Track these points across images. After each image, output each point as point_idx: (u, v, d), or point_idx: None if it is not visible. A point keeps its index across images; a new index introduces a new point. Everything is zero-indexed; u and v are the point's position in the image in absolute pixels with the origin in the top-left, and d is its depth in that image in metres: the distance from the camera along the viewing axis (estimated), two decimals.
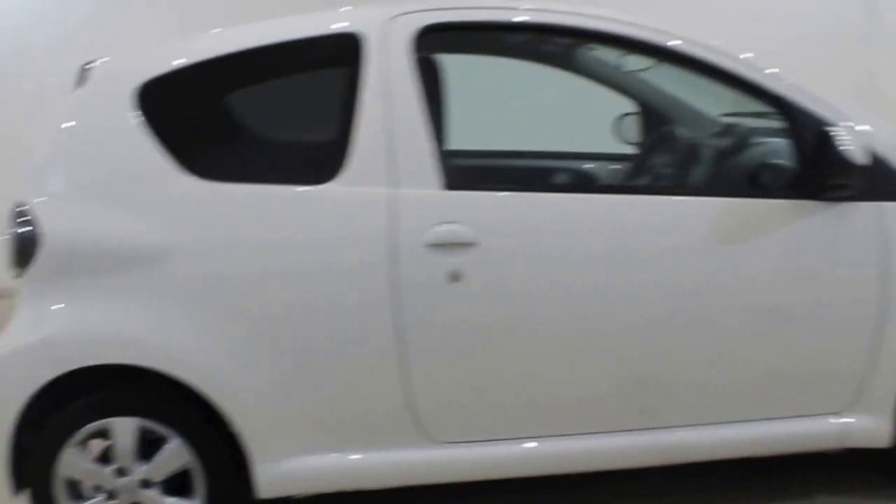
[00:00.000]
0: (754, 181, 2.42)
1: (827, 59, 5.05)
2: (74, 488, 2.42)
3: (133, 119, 2.37)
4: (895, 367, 2.42)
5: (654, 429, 2.44)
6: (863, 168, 2.23)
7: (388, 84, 2.34)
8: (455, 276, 2.29)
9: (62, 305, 2.34)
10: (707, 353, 2.40)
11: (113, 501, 2.41)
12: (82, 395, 2.35)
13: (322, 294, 2.31)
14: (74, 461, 2.38)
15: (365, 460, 2.40)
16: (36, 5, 5.99)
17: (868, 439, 2.46)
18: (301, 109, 2.50)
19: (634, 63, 2.65)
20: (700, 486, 2.72)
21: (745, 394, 2.44)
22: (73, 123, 2.43)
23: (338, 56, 2.41)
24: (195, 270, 2.31)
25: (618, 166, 2.78)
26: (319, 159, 2.38)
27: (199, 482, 2.40)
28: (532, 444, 2.42)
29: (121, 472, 2.39)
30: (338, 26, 2.42)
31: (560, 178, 2.80)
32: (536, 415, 2.42)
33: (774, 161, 2.46)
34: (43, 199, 2.37)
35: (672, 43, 2.39)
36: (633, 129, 3.02)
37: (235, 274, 2.31)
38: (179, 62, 2.43)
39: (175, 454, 2.38)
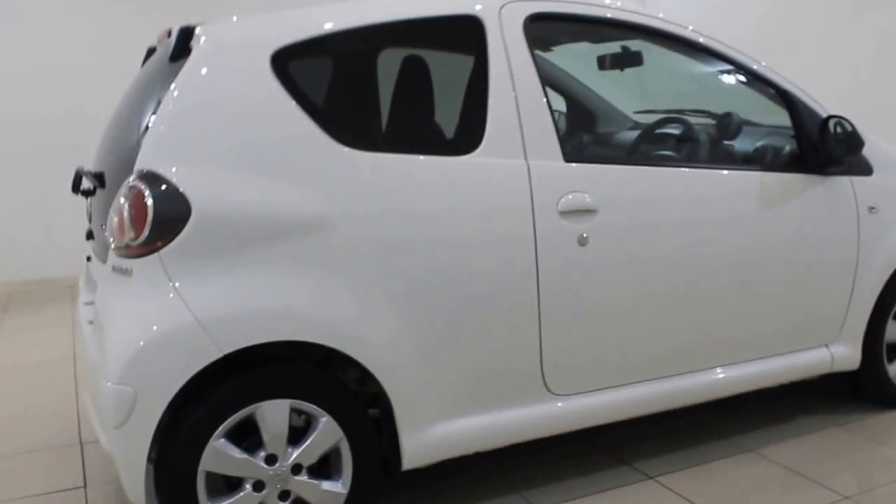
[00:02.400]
0: (776, 159, 3.06)
1: None
2: (213, 483, 2.29)
3: (276, 86, 2.33)
4: (862, 306, 3.20)
5: (708, 369, 2.95)
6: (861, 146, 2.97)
7: (510, 64, 2.58)
8: (582, 241, 2.61)
9: (218, 281, 2.22)
10: (752, 303, 2.98)
11: (257, 493, 2.32)
12: (222, 382, 2.25)
13: (470, 257, 2.47)
14: (221, 453, 2.26)
15: (495, 420, 2.59)
16: None
17: (846, 364, 3.22)
18: (435, 83, 2.62)
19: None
20: (697, 419, 3.28)
21: (773, 334, 3.06)
22: (203, 91, 2.30)
23: (464, 36, 2.59)
24: (355, 240, 2.34)
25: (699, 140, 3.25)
26: (459, 132, 2.54)
27: (346, 461, 2.41)
28: (630, 391, 2.81)
29: (270, 460, 2.32)
30: (461, 9, 2.60)
31: (655, 151, 3.20)
32: (634, 364, 2.80)
33: (784, 143, 3.11)
34: (183, 168, 2.23)
35: (715, 45, 2.95)
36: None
37: (392, 243, 2.38)
38: (316, 31, 2.43)
39: (327, 434, 2.37)
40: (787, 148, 3.08)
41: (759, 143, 3.11)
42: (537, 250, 2.55)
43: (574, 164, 2.63)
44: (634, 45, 3.03)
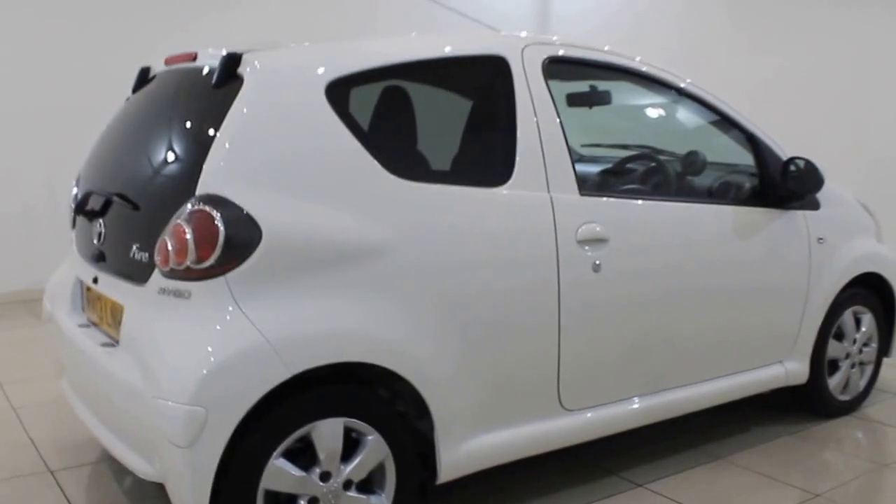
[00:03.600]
0: (742, 194, 3.45)
1: None
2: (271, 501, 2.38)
3: (331, 116, 2.46)
4: (811, 326, 3.64)
5: (691, 384, 3.29)
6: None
7: (533, 102, 2.83)
8: (597, 268, 2.88)
9: (283, 304, 2.32)
10: (727, 324, 3.34)
11: None
12: (282, 402, 2.34)
13: (503, 282, 2.68)
14: (281, 471, 2.35)
15: (515, 434, 2.80)
16: None
17: (797, 378, 3.65)
18: (467, 117, 2.82)
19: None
20: (667, 431, 3.60)
21: (742, 352, 3.44)
22: (262, 118, 2.40)
23: (492, 74, 2.81)
24: (405, 265, 2.50)
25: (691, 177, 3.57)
26: (492, 165, 2.76)
27: (390, 476, 2.55)
28: (627, 405, 3.09)
29: (324, 477, 2.43)
30: (489, 49, 2.82)
31: (654, 184, 3.48)
32: (632, 380, 3.09)
33: (745, 180, 3.51)
34: (249, 193, 2.32)
35: (695, 90, 3.32)
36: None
37: (437, 267, 2.56)
38: (367, 63, 2.58)
39: (375, 451, 2.50)
40: (749, 184, 3.49)
41: (725, 180, 3.50)
42: (559, 276, 2.79)
43: (587, 198, 2.90)
44: (625, 86, 3.34)
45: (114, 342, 2.70)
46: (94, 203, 2.88)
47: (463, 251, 2.62)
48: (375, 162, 2.50)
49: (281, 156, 2.40)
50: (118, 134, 3.08)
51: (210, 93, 2.55)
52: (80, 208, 2.93)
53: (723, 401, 3.43)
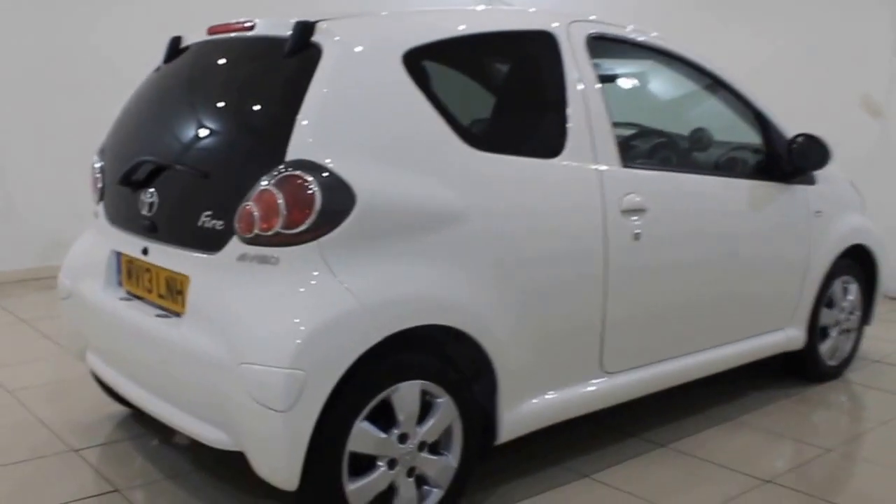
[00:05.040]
0: (751, 169, 3.70)
1: None
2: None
3: (409, 85, 2.55)
4: (808, 295, 3.94)
5: (712, 348, 3.53)
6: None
7: (580, 76, 2.99)
8: (637, 236, 3.06)
9: (373, 268, 2.40)
10: (743, 290, 3.60)
11: (390, 471, 2.52)
12: (369, 365, 2.42)
13: (557, 249, 2.84)
14: (366, 434, 2.44)
15: (561, 397, 2.97)
16: None
17: (795, 344, 3.94)
18: (526, 89, 2.95)
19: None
20: (666, 397, 3.83)
21: (753, 318, 3.71)
22: (344, 85, 2.46)
23: (543, 49, 2.94)
24: (480, 232, 2.62)
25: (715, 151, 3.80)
26: (548, 136, 2.89)
27: (457, 437, 2.67)
28: (664, 366, 3.30)
29: (402, 439, 2.53)
30: (539, 25, 2.96)
31: (689, 158, 3.69)
32: (670, 342, 3.30)
33: (750, 156, 3.77)
34: (339, 159, 2.38)
35: (717, 72, 3.54)
36: None
37: (506, 233, 2.69)
38: (440, 34, 2.67)
39: (446, 413, 2.62)
40: (757, 160, 3.74)
41: (738, 155, 3.75)
42: (606, 244, 2.96)
43: (628, 169, 3.08)
44: (653, 66, 3.55)
45: (170, 313, 2.72)
46: (141, 173, 2.86)
47: (524, 218, 2.76)
48: (451, 131, 2.60)
49: (365, 124, 2.48)
50: (158, 104, 3.08)
51: (281, 62, 2.60)
52: (125, 179, 2.91)
53: (735, 364, 3.69)
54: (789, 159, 3.67)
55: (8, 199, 6.40)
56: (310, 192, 2.33)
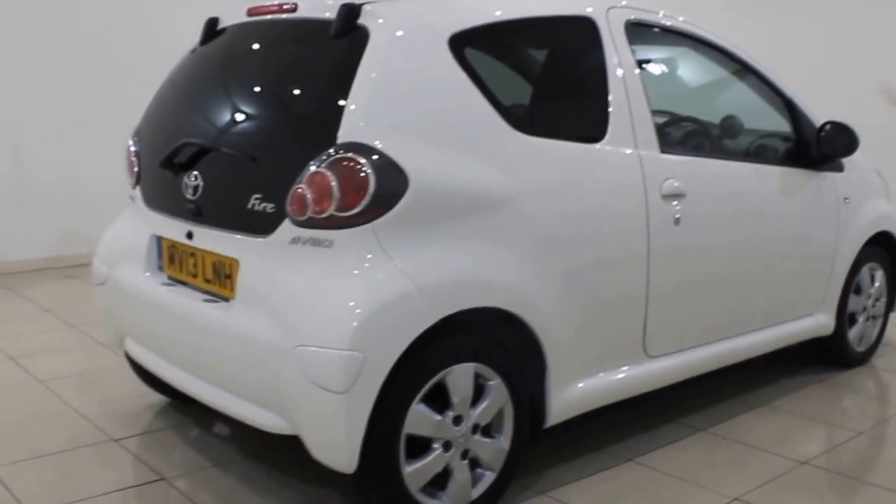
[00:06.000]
0: (781, 156, 3.73)
1: None
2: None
3: (456, 68, 2.56)
4: (837, 281, 3.96)
5: (747, 333, 3.56)
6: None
7: (620, 62, 3.01)
8: (677, 221, 3.08)
9: (427, 251, 2.42)
10: (776, 276, 3.62)
11: (446, 454, 2.54)
12: (425, 347, 2.43)
13: (602, 235, 2.86)
14: (423, 416, 2.46)
15: (605, 380, 2.98)
16: None
17: (824, 330, 3.97)
18: (568, 74, 2.96)
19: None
20: (698, 383, 3.85)
21: (785, 304, 3.73)
22: (393, 68, 2.47)
23: (584, 34, 2.96)
24: (529, 215, 2.64)
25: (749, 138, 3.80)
26: (590, 121, 2.91)
27: (508, 419, 2.69)
28: (703, 351, 3.33)
29: (456, 421, 2.55)
30: (577, 10, 2.97)
31: (722, 145, 3.71)
32: (708, 327, 3.32)
33: (779, 143, 3.79)
34: (391, 142, 2.39)
35: (750, 61, 3.57)
36: None
37: (553, 216, 2.71)
38: (484, 19, 2.69)
39: (499, 395, 2.64)
40: (787, 147, 3.76)
41: (769, 142, 3.77)
42: (649, 229, 2.98)
43: (667, 155, 3.10)
44: (687, 52, 3.56)
45: (217, 298, 2.73)
46: (183, 156, 2.87)
47: (570, 202, 2.78)
48: (498, 115, 2.62)
49: (413, 107, 2.49)
50: (196, 86, 3.08)
51: (326, 44, 2.61)
52: (166, 162, 2.91)
53: (768, 350, 3.71)
54: (818, 146, 3.69)
55: (24, 187, 6.40)
56: (363, 174, 2.34)
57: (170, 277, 3.01)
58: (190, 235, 2.84)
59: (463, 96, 2.57)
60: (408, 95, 2.49)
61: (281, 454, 3.10)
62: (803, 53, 6.41)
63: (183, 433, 3.38)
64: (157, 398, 3.67)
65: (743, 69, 3.61)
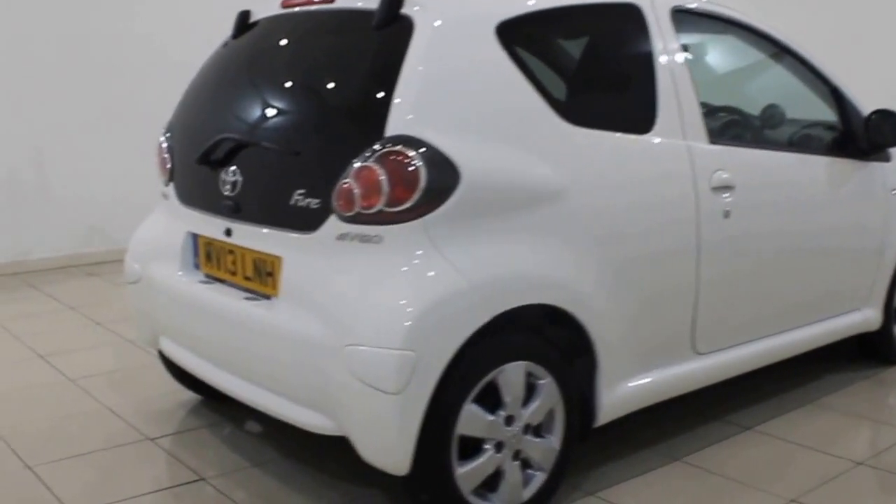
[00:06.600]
0: (828, 145, 3.63)
1: None
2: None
3: (504, 59, 2.48)
4: (884, 275, 3.86)
5: (795, 328, 3.47)
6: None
7: (667, 51, 2.91)
8: (727, 214, 2.99)
9: (478, 247, 2.35)
10: (823, 269, 3.53)
11: (498, 455, 2.47)
12: (477, 345, 2.35)
13: (651, 229, 2.77)
14: (475, 416, 2.39)
15: (658, 377, 2.90)
16: None
17: (871, 325, 3.86)
18: (616, 63, 2.88)
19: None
20: (739, 385, 3.74)
21: (832, 298, 3.63)
22: (440, 60, 2.40)
23: (630, 22, 2.87)
24: (581, 209, 2.56)
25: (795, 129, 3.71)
26: (638, 112, 2.82)
27: (559, 419, 2.61)
28: (751, 347, 3.24)
29: (508, 421, 2.48)
30: None
31: (768, 135, 3.62)
32: (757, 323, 3.23)
33: (825, 132, 3.69)
34: (441, 135, 2.32)
35: (797, 48, 3.46)
36: None
37: (604, 209, 2.63)
38: (531, 6, 2.61)
39: (550, 394, 2.56)
40: (834, 136, 3.66)
41: (816, 132, 3.66)
42: (699, 222, 2.89)
43: (715, 146, 3.00)
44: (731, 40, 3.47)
45: (258, 296, 2.67)
46: (220, 151, 2.80)
47: (621, 196, 2.70)
48: (547, 106, 2.53)
49: (462, 99, 2.42)
50: (231, 80, 3.01)
51: (369, 35, 2.54)
52: (203, 158, 2.85)
53: (816, 346, 3.62)
54: (866, 135, 3.59)
55: (45, 186, 6.37)
56: (413, 168, 2.26)
57: (207, 275, 2.94)
58: (228, 232, 2.78)
59: (512, 87, 2.49)
60: (456, 87, 2.41)
61: (320, 453, 3.04)
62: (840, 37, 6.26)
63: (218, 432, 3.33)
64: (189, 396, 3.61)
65: (788, 56, 3.50)
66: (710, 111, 3.42)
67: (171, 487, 2.89)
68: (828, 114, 3.67)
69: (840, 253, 3.59)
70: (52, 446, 3.19)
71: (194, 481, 2.92)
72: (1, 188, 6.21)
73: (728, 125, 3.47)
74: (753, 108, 3.75)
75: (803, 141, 3.65)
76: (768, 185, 3.21)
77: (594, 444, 3.02)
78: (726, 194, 2.99)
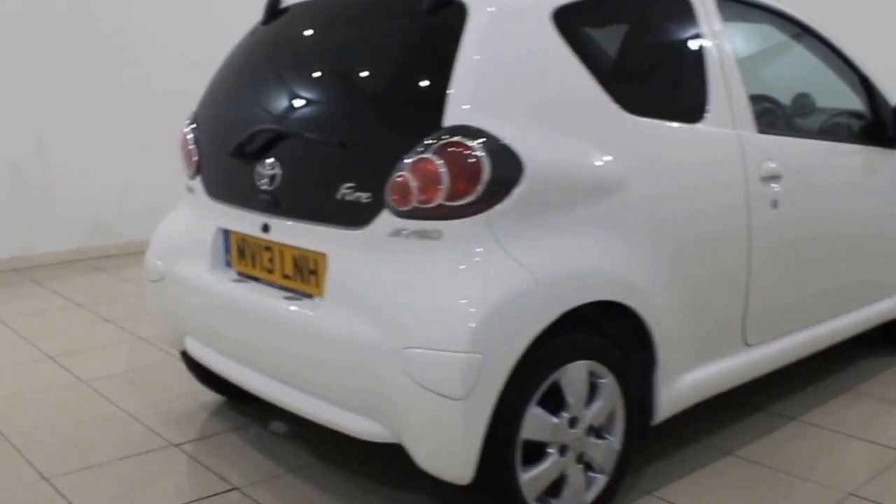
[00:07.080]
0: (858, 134, 3.53)
1: None
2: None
3: (561, 45, 2.35)
4: None
5: (840, 315, 3.39)
6: None
7: (714, 39, 2.80)
8: (775, 204, 2.89)
9: (543, 242, 2.22)
10: (863, 257, 3.44)
11: (562, 458, 2.36)
12: (541, 345, 2.22)
13: (703, 218, 2.66)
14: (540, 419, 2.27)
15: (711, 371, 2.80)
16: None
17: None
18: (667, 51, 2.75)
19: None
20: (776, 374, 3.62)
21: (870, 285, 3.55)
22: (496, 47, 2.26)
23: (680, 9, 2.75)
24: (640, 200, 2.43)
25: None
26: (691, 101, 2.70)
27: (619, 418, 2.50)
28: (797, 337, 3.15)
29: (571, 423, 2.36)
30: None
31: (808, 124, 3.51)
32: (803, 312, 3.14)
33: (852, 121, 3.60)
34: (502, 125, 2.18)
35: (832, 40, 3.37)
36: None
37: (661, 200, 2.51)
38: None
39: (611, 394, 2.44)
40: (861, 125, 3.56)
41: (839, 121, 3.57)
42: (749, 212, 2.79)
43: (763, 136, 2.89)
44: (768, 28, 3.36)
45: (300, 295, 2.52)
46: (256, 143, 2.64)
47: (677, 186, 2.58)
48: (606, 94, 2.41)
49: (520, 87, 2.28)
50: (263, 68, 2.85)
51: (419, 21, 2.39)
52: (238, 150, 2.68)
53: (856, 333, 3.54)
54: (895, 125, 3.51)
55: (49, 180, 6.17)
56: (474, 160, 2.12)
57: (239, 273, 2.79)
58: (266, 228, 2.62)
59: (571, 75, 2.35)
60: (514, 75, 2.27)
61: (358, 456, 2.91)
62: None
63: (245, 436, 3.18)
64: (211, 397, 3.47)
65: (819, 44, 3.41)
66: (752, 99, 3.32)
67: (202, 499, 2.74)
68: (855, 102, 3.59)
69: (875, 240, 3.51)
70: (70, 455, 3.03)
71: (227, 491, 2.76)
72: (3, 183, 6.00)
73: (765, 113, 3.37)
74: (784, 96, 3.65)
75: (834, 129, 3.56)
76: (811, 173, 3.12)
77: (647, 440, 2.92)
78: (774, 184, 2.88)
